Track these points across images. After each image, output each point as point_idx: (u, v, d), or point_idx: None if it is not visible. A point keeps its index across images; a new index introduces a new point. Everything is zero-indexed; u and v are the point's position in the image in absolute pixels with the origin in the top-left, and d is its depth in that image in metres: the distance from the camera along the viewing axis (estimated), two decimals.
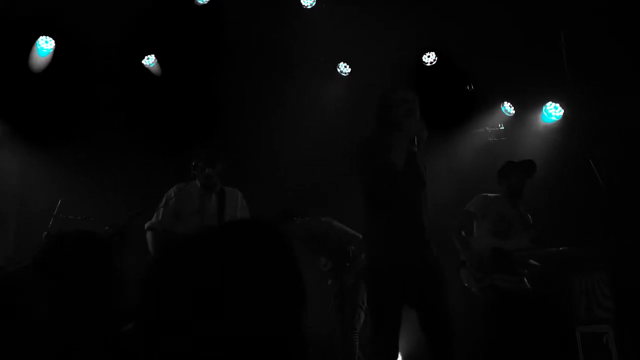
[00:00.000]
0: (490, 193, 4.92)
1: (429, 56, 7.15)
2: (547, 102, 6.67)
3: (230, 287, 1.06)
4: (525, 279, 4.72)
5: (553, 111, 6.64)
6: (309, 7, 6.90)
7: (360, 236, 5.30)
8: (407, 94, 3.67)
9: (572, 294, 5.43)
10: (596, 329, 4.91)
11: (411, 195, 3.53)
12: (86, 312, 1.97)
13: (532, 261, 4.69)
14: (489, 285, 4.58)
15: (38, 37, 6.39)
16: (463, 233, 4.83)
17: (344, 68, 7.33)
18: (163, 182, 4.91)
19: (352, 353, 5.26)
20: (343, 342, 5.30)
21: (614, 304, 4.86)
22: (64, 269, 2.02)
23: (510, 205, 4.80)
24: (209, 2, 6.73)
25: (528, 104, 6.90)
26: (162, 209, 4.61)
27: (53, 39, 6.44)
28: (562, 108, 6.60)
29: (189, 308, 1.05)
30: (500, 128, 7.08)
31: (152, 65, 6.98)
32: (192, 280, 1.07)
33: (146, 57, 6.93)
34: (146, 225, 4.58)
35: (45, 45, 6.44)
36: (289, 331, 1.10)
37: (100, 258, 2.09)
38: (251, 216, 4.71)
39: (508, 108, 7.00)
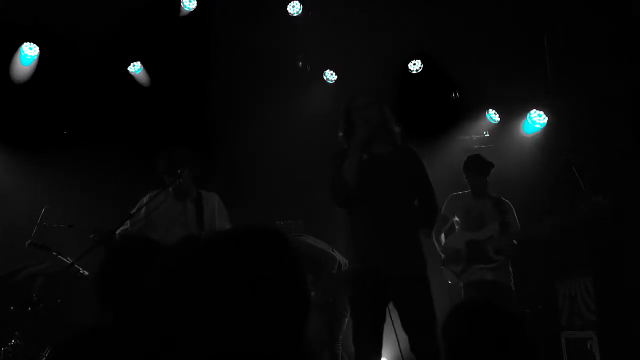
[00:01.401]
0: (462, 191, 5.09)
1: (414, 64, 7.20)
2: (532, 109, 6.72)
3: (237, 296, 1.05)
4: (508, 266, 4.82)
5: (537, 118, 6.68)
6: (296, 14, 6.93)
7: (330, 250, 5.36)
8: (359, 101, 3.70)
9: (557, 299, 5.47)
10: (580, 334, 4.94)
11: (373, 206, 3.52)
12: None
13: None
14: (468, 282, 4.70)
15: (22, 43, 6.35)
16: (442, 236, 5.01)
17: (330, 75, 7.35)
18: (149, 189, 4.84)
19: (335, 356, 5.27)
20: (329, 350, 5.30)
21: (597, 309, 4.90)
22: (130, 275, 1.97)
23: (477, 197, 4.94)
24: (195, 9, 6.74)
25: (513, 111, 6.95)
26: (133, 216, 4.41)
27: (37, 45, 6.40)
28: (546, 115, 6.65)
29: (197, 315, 1.04)
30: (486, 135, 7.13)
31: (138, 72, 6.96)
32: (200, 288, 1.06)
33: (132, 64, 6.91)
34: (117, 232, 4.31)
35: (29, 52, 6.40)
36: (291, 343, 1.09)
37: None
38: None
39: (493, 115, 7.05)
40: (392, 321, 3.48)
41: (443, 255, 4.89)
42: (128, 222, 4.42)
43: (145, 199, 4.55)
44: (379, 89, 6.71)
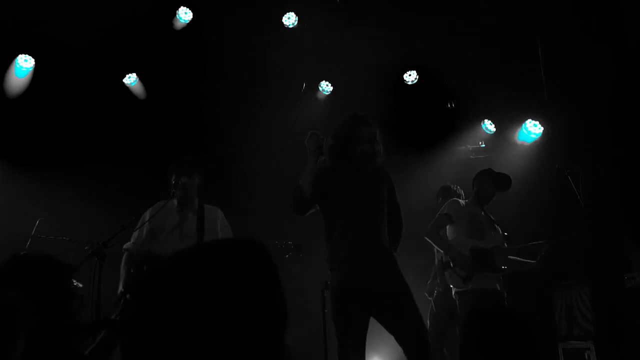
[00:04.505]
0: (462, 200, 5.10)
1: (410, 74, 7.22)
2: (527, 119, 6.74)
3: (214, 306, 1.06)
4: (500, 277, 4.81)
5: (532, 128, 6.70)
6: (291, 26, 6.95)
7: None
8: (358, 118, 3.79)
9: (555, 310, 5.46)
10: (578, 344, 4.93)
11: (357, 222, 3.61)
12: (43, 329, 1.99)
13: (511, 257, 4.80)
14: (475, 289, 4.61)
15: (17, 55, 6.36)
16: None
17: (325, 87, 7.36)
18: (143, 202, 4.81)
19: None
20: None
21: (594, 319, 4.89)
22: (20, 288, 2.02)
23: (479, 208, 4.92)
24: (190, 22, 6.75)
25: (509, 121, 6.97)
26: (137, 230, 4.44)
27: (32, 57, 6.40)
28: (542, 125, 6.67)
29: (175, 328, 1.05)
30: (481, 145, 7.14)
31: (133, 84, 6.95)
32: (179, 299, 1.07)
33: (127, 75, 6.90)
34: (123, 247, 4.37)
35: (24, 63, 6.39)
36: (271, 351, 1.10)
37: (56, 281, 2.10)
38: (235, 235, 4.58)
39: (489, 126, 7.06)
40: None
41: (446, 258, 4.78)
42: (134, 234, 4.44)
43: (148, 211, 4.54)
44: (374, 99, 6.80)
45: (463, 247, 4.74)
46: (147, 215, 4.53)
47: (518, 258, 4.82)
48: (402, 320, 3.50)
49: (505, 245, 4.82)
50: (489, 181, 4.91)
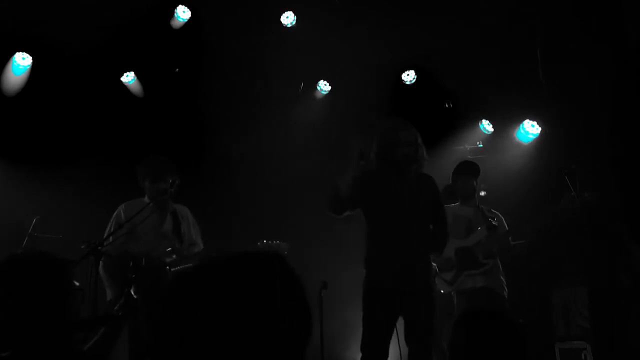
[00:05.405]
0: (452, 204, 5.12)
1: (408, 74, 7.21)
2: (525, 119, 6.72)
3: (240, 317, 1.06)
4: (499, 273, 4.82)
5: (530, 129, 6.68)
6: (289, 25, 6.95)
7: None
8: (399, 123, 4.00)
9: (551, 310, 5.45)
10: (574, 345, 4.92)
11: (396, 225, 3.75)
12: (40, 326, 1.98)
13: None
14: (460, 291, 4.70)
15: (14, 53, 6.36)
16: None
17: (323, 86, 7.35)
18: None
19: None
20: None
21: (591, 318, 4.88)
22: (18, 287, 2.03)
23: (466, 206, 4.99)
24: (188, 20, 6.76)
25: (508, 121, 6.95)
26: (112, 231, 4.39)
27: (30, 55, 6.41)
28: (540, 125, 6.65)
29: (200, 337, 1.05)
30: (479, 146, 7.12)
31: (131, 83, 6.95)
32: (203, 310, 1.08)
33: (125, 74, 6.89)
34: (102, 250, 4.23)
35: (22, 61, 6.39)
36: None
37: (54, 280, 2.10)
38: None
39: (486, 126, 7.05)
40: (398, 335, 3.71)
41: (434, 265, 4.88)
42: (109, 237, 4.38)
43: (121, 212, 4.51)
44: (374, 100, 6.79)
45: (449, 248, 4.79)
46: (121, 214, 4.52)
47: (516, 242, 4.88)
48: (416, 322, 3.66)
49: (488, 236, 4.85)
50: (457, 178, 5.02)
